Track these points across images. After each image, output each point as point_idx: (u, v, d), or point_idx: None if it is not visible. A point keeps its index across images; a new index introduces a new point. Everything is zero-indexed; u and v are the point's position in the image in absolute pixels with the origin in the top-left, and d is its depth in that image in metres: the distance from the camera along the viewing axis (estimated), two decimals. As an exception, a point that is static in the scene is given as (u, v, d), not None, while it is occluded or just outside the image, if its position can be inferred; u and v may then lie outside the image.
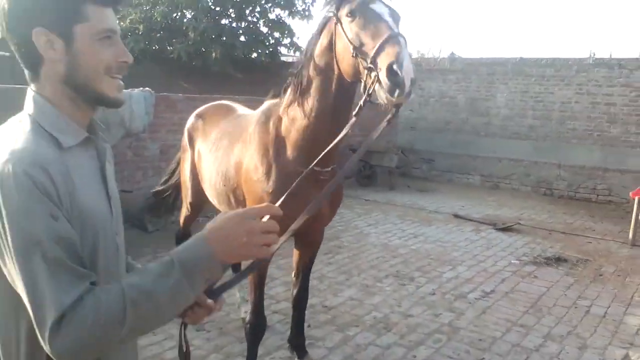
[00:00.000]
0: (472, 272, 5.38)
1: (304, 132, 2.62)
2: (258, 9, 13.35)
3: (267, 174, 2.72)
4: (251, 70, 13.53)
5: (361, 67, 2.20)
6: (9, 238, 1.01)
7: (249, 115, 3.27)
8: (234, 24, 13.44)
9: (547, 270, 5.54)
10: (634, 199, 6.84)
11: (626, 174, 9.37)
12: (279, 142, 2.74)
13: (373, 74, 2.09)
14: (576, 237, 6.99)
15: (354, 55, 2.21)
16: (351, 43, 2.22)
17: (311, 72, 2.54)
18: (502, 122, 10.68)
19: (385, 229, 7.00)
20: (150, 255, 5.55)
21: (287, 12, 13.52)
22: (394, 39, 2.08)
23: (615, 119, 9.62)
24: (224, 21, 13.43)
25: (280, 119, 2.78)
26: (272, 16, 13.57)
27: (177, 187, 4.44)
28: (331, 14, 2.39)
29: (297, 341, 3.37)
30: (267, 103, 3.04)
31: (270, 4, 13.42)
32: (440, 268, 5.47)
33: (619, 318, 4.40)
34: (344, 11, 2.29)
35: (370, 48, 2.12)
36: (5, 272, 1.06)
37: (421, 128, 11.88)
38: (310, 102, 2.56)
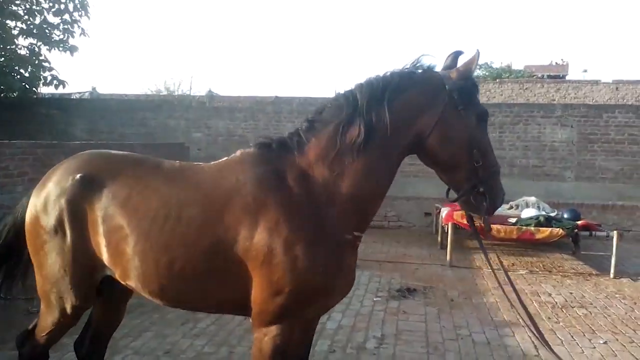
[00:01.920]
0: (350, 318, 5.15)
1: (358, 195, 2.21)
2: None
3: (313, 246, 2.11)
4: (-5, 109, 11.26)
5: (468, 172, 2.21)
6: None
7: (215, 172, 2.35)
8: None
9: (409, 304, 5.65)
10: (446, 225, 7.60)
11: (411, 200, 10.43)
12: (316, 206, 2.17)
13: (481, 188, 2.22)
14: (402, 264, 7.38)
15: (476, 160, 2.19)
16: (480, 146, 2.21)
17: (376, 123, 2.16)
18: (295, 158, 10.83)
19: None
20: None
21: (40, 42, 11.66)
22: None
23: (392, 152, 10.64)
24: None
25: (307, 177, 2.20)
26: (22, 47, 11.56)
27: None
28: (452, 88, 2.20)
29: None
30: (244, 153, 2.34)
31: (18, 32, 11.40)
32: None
33: (502, 342, 4.63)
34: (473, 105, 2.23)
35: (488, 165, 2.22)
36: None
37: (212, 168, 11.37)
38: (369, 161, 2.19)
